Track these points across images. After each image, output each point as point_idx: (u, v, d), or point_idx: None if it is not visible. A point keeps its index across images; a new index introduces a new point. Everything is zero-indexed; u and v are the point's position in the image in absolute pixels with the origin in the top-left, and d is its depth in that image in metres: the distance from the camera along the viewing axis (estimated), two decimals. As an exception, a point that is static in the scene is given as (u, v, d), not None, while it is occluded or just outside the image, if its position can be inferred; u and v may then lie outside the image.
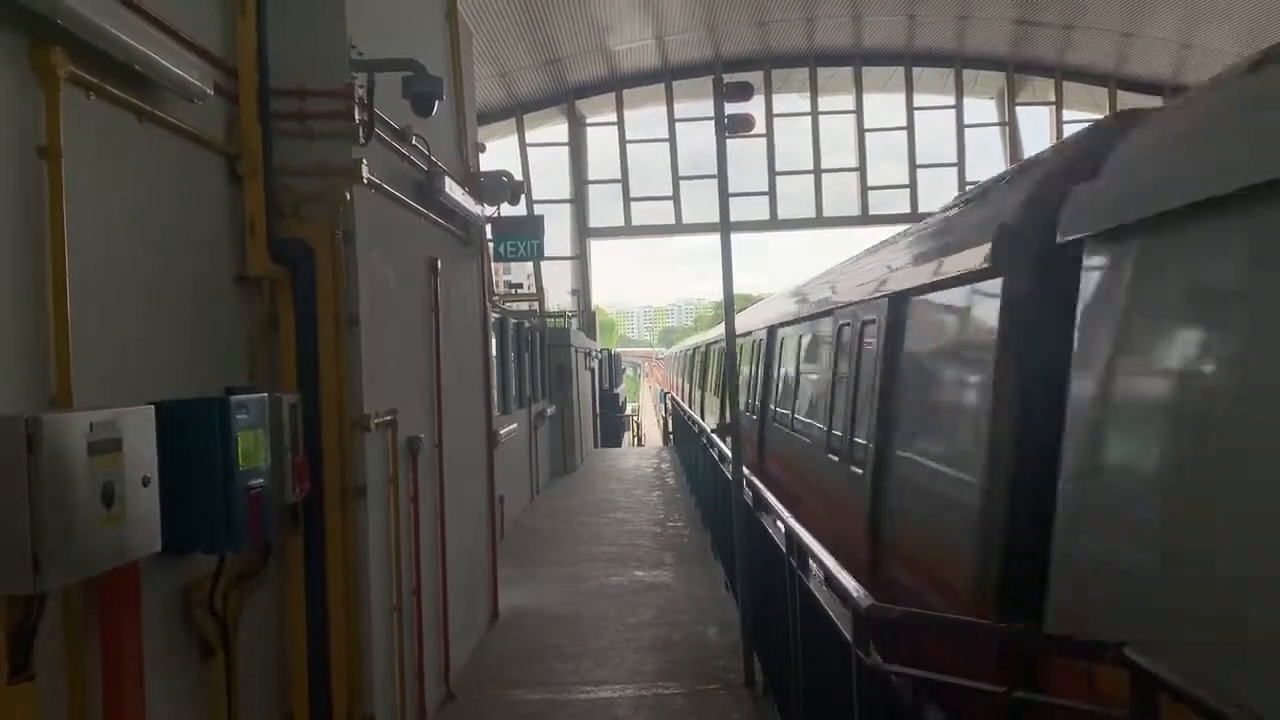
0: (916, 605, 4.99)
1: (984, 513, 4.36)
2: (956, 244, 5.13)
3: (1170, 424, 3.24)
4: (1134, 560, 3.38)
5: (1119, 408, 3.55)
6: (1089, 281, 3.79)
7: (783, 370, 11.24)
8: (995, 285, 4.46)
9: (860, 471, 6.52)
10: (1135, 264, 3.51)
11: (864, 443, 6.54)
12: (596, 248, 32.57)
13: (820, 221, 30.90)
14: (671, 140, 30.61)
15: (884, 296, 6.36)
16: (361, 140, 5.39)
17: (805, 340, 9.90)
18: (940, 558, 4.97)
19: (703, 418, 18.18)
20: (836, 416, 7.65)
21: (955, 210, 6.10)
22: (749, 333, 14.31)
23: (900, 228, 8.70)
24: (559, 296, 29.59)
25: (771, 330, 12.16)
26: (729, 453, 8.40)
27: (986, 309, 4.62)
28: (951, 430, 5.07)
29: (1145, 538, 3.32)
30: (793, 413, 9.95)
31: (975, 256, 4.58)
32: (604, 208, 31.15)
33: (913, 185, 30.60)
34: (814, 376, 9.26)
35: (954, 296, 5.19)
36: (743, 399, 13.53)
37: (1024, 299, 4.28)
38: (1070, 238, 3.90)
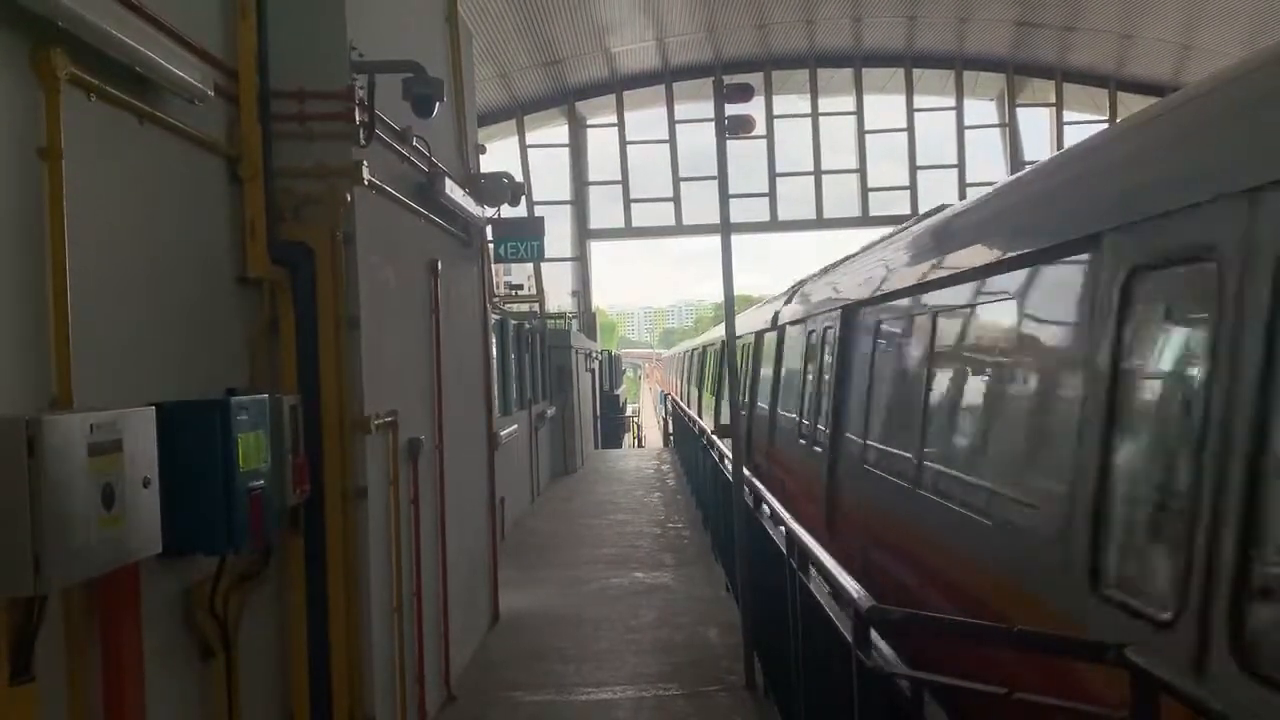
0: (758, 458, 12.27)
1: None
2: (766, 319, 13.76)
3: (774, 394, 12.31)
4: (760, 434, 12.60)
5: (777, 381, 12.32)
6: (784, 339, 12.17)
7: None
8: (776, 333, 12.57)
9: (745, 415, 13.41)
10: (781, 336, 12.42)
11: (746, 401, 14.34)
12: (597, 249, 32.63)
13: (821, 223, 30.91)
14: (672, 141, 30.62)
15: (752, 332, 14.89)
16: (362, 142, 5.39)
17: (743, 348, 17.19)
18: (766, 437, 12.32)
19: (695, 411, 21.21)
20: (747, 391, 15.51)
21: (776, 300, 14.46)
22: (716, 342, 22.09)
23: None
24: (559, 298, 29.59)
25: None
26: (729, 453, 8.45)
27: (773, 341, 12.81)
28: (775, 389, 12.55)
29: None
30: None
31: (770, 321, 13.38)
32: (604, 209, 31.18)
33: (913, 187, 30.60)
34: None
35: (766, 336, 13.52)
36: (710, 387, 23.49)
37: (780, 340, 12.27)
38: (779, 323, 12.50)
